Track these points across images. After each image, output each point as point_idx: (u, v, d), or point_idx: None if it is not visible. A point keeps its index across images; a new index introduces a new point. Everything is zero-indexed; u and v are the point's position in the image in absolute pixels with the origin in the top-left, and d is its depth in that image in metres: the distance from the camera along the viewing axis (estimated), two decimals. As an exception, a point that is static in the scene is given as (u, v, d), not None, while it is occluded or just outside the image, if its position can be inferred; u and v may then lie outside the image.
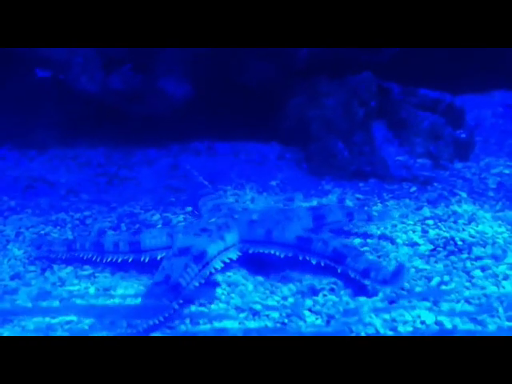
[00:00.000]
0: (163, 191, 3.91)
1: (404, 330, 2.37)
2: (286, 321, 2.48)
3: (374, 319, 2.44)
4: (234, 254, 2.83)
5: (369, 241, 3.20)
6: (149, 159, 4.42)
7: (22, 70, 4.62)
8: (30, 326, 2.46)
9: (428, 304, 2.56)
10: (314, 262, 2.73)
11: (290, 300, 2.64)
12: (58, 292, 2.73)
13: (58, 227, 3.42)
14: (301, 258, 2.76)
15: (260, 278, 2.82)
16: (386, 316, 2.46)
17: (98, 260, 2.92)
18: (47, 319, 2.51)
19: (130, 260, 2.89)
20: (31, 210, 3.62)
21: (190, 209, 3.66)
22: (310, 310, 2.54)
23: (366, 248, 3.10)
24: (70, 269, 2.95)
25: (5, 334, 2.40)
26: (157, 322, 2.38)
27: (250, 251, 2.86)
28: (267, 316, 2.51)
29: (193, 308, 2.57)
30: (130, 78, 4.25)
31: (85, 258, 2.94)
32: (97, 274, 2.89)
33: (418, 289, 2.72)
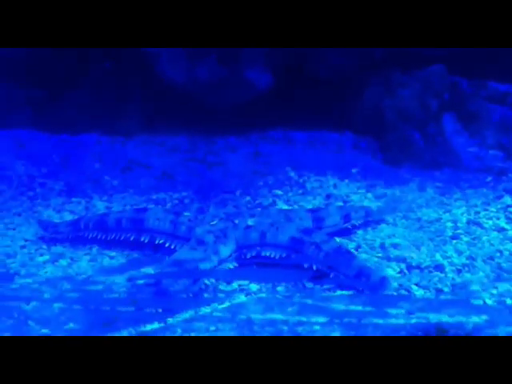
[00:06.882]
0: (251, 176, 4.12)
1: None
2: (394, 293, 2.66)
3: (481, 293, 2.61)
4: (229, 266, 2.86)
5: (459, 224, 3.37)
6: (231, 146, 4.63)
7: (109, 61, 4.86)
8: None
9: (530, 283, 2.73)
10: (305, 266, 2.81)
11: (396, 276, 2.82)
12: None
13: (160, 206, 3.66)
14: (293, 257, 2.84)
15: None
16: (494, 291, 2.63)
17: (103, 238, 3.04)
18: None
19: (131, 238, 3.00)
20: (133, 190, 3.88)
21: (279, 192, 3.88)
22: (417, 284, 2.72)
23: (459, 231, 3.27)
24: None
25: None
26: None
27: (248, 256, 2.93)
28: (376, 289, 2.70)
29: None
30: (216, 68, 4.46)
31: (89, 237, 3.07)
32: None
33: (514, 270, 2.87)
